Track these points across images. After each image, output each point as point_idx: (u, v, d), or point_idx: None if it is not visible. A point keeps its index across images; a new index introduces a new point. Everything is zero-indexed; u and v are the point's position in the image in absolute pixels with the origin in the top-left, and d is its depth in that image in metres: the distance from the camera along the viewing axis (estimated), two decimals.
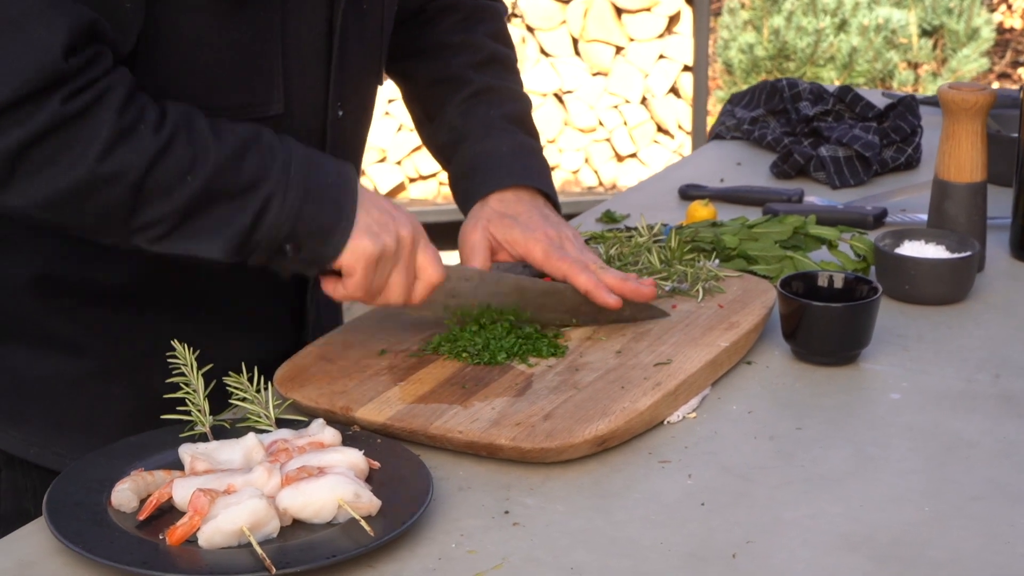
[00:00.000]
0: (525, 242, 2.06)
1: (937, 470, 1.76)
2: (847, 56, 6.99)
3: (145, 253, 1.81)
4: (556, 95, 6.38)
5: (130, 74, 1.76)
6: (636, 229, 2.32)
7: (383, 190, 6.30)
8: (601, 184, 6.49)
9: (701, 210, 2.49)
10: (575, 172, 6.47)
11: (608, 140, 6.47)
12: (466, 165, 2.15)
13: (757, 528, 1.63)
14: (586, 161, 6.46)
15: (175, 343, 1.78)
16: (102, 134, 1.70)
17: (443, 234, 3.23)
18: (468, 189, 2.14)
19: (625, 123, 6.44)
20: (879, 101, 3.06)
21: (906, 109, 2.88)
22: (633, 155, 6.48)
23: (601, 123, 6.44)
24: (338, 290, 1.87)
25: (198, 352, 1.78)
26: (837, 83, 6.95)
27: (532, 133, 2.23)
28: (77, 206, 1.73)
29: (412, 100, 2.28)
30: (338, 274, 1.87)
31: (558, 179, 6.44)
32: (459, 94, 2.20)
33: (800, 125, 2.91)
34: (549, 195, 2.15)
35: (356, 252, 1.83)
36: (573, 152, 6.43)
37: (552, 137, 6.39)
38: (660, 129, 6.47)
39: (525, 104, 2.25)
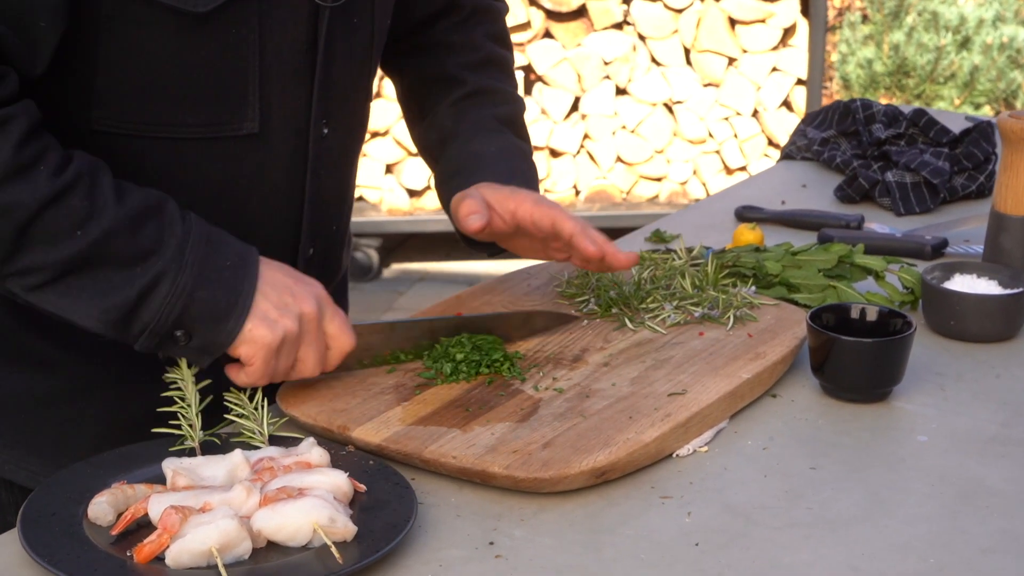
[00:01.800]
0: (514, 196, 1.99)
1: (950, 518, 1.68)
2: (968, 75, 6.84)
3: None
4: (666, 105, 6.30)
5: (35, 109, 1.70)
6: (676, 251, 2.26)
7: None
8: (709, 196, 6.40)
9: (747, 234, 2.42)
10: (683, 184, 6.38)
11: (718, 152, 6.38)
12: (454, 165, 2.09)
13: (749, 572, 1.57)
14: (695, 173, 6.38)
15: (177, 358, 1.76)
16: None
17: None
18: (454, 187, 2.06)
19: (735, 136, 6.35)
20: (960, 125, 2.96)
21: (981, 136, 2.78)
22: (743, 168, 6.38)
23: (711, 135, 6.35)
24: (240, 377, 1.79)
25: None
26: (957, 102, 6.81)
27: (523, 136, 2.18)
28: None
29: (406, 97, 2.23)
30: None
31: (666, 190, 6.37)
32: (452, 94, 2.15)
33: (871, 148, 2.82)
34: None
35: (254, 341, 1.75)
36: (682, 163, 6.35)
37: (661, 147, 6.32)
38: (771, 143, 6.37)
39: (518, 106, 2.20)
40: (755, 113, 6.36)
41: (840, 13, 7.68)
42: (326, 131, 1.94)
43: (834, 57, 7.31)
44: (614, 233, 2.56)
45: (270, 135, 1.87)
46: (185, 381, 1.75)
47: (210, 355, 1.77)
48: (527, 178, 2.08)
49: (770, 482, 1.75)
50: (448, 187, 2.07)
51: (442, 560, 1.58)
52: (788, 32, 6.29)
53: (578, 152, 6.31)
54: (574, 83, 6.22)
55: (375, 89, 2.10)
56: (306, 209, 1.96)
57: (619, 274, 2.18)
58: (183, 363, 1.76)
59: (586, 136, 6.30)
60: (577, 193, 6.35)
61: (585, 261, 1.99)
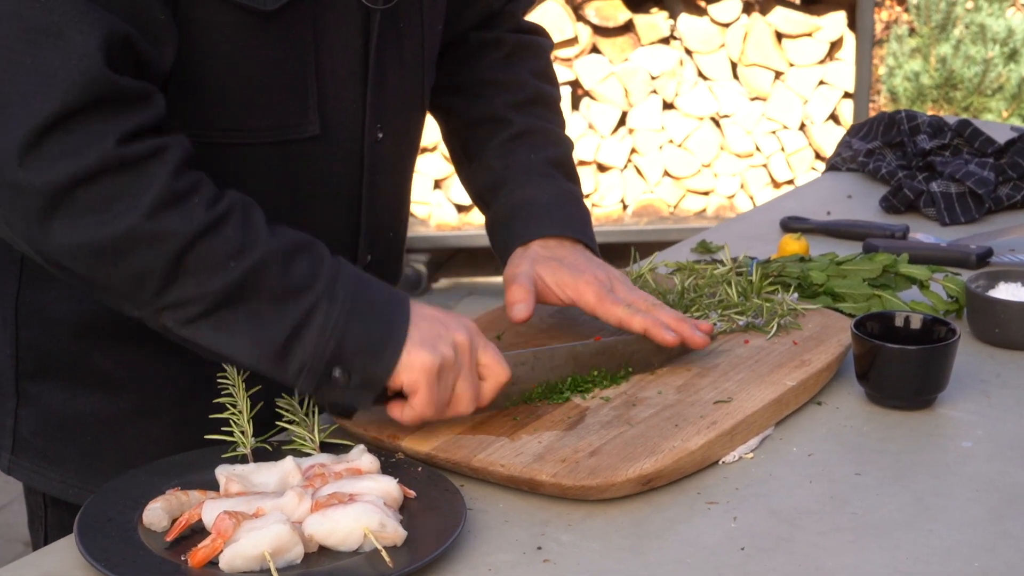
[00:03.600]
0: (575, 284, 1.99)
1: (996, 523, 1.69)
2: (1016, 87, 6.82)
3: None
4: (713, 119, 6.31)
5: (187, 140, 1.69)
6: (721, 261, 2.28)
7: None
8: (755, 208, 6.41)
9: (793, 244, 2.43)
10: (731, 197, 6.40)
11: (765, 166, 6.39)
12: (506, 212, 2.09)
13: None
14: (742, 187, 6.39)
15: (225, 364, 1.78)
16: (154, 190, 1.62)
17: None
18: (508, 236, 2.08)
19: (783, 149, 6.36)
20: (1005, 136, 2.97)
21: None
22: (790, 182, 6.38)
23: (758, 148, 6.36)
24: (406, 412, 1.76)
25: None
26: (1005, 115, 6.79)
27: (573, 178, 2.16)
28: (112, 262, 1.63)
29: (451, 138, 2.22)
30: (401, 396, 1.78)
31: (713, 204, 6.38)
32: (499, 136, 2.13)
33: (916, 159, 2.84)
34: (590, 245, 2.09)
35: (415, 366, 1.72)
36: (729, 177, 6.36)
37: (708, 161, 6.33)
38: (818, 156, 6.37)
39: (567, 147, 2.18)
40: (802, 126, 6.37)
41: (887, 26, 7.68)
42: (380, 135, 1.96)
43: (881, 70, 7.31)
44: (662, 247, 2.58)
45: (330, 137, 1.89)
46: (237, 388, 1.78)
47: (371, 391, 1.74)
48: (583, 226, 2.09)
49: (815, 488, 1.77)
50: (501, 235, 2.09)
51: (491, 564, 1.60)
52: (835, 45, 6.30)
53: (625, 166, 6.33)
54: (621, 98, 6.25)
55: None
56: (363, 213, 1.98)
57: (663, 283, 2.20)
58: (233, 370, 1.78)
59: (633, 150, 6.32)
60: (625, 207, 6.37)
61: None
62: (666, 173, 6.35)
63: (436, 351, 1.74)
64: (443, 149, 6.11)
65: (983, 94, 6.82)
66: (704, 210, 6.40)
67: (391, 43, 1.94)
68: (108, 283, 1.66)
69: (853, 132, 3.06)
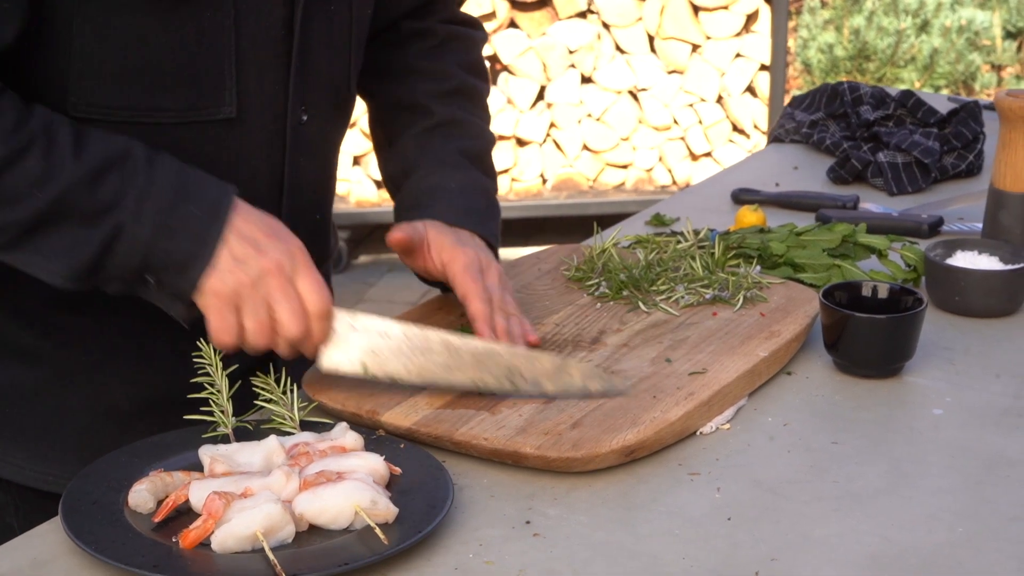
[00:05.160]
0: (452, 250, 1.96)
1: (974, 489, 1.71)
2: (928, 58, 6.89)
3: None
4: (631, 93, 6.33)
5: None
6: (682, 234, 2.28)
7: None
8: (675, 183, 6.43)
9: (750, 216, 2.44)
10: (649, 171, 6.42)
11: (683, 139, 6.41)
12: (412, 197, 2.06)
13: (783, 545, 1.59)
14: (660, 160, 6.41)
15: (200, 342, 1.77)
16: None
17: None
18: (408, 219, 2.03)
19: (700, 122, 6.39)
20: (944, 106, 3.00)
21: (968, 115, 2.82)
22: (708, 154, 6.42)
23: (676, 121, 6.39)
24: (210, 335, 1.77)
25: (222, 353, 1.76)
26: (917, 85, 6.86)
27: (487, 172, 2.13)
28: None
29: (374, 122, 2.19)
30: None
31: (632, 177, 6.39)
32: (418, 124, 2.11)
33: (860, 130, 2.86)
34: (490, 241, 2.05)
35: (208, 291, 1.73)
36: (647, 150, 6.38)
37: (626, 135, 6.35)
38: (736, 128, 6.41)
39: (486, 141, 2.15)
40: (719, 99, 6.40)
41: None
42: (305, 118, 1.93)
43: (794, 43, 7.36)
44: (582, 221, 2.57)
45: (248, 120, 1.86)
46: (214, 367, 1.76)
47: (182, 302, 1.75)
48: (483, 217, 2.05)
49: (794, 457, 1.78)
50: (405, 219, 2.04)
51: (481, 539, 1.60)
52: (751, 18, 6.33)
53: (544, 141, 6.33)
54: (539, 72, 6.25)
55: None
56: (286, 196, 1.95)
57: (627, 257, 2.21)
58: (210, 347, 1.77)
59: (552, 125, 6.33)
60: (544, 182, 6.37)
61: None
62: (585, 147, 6.37)
63: (232, 276, 1.73)
64: (362, 125, 6.08)
65: (896, 65, 6.89)
66: (623, 183, 6.42)
67: (317, 25, 1.91)
68: None
69: (795, 104, 3.08)
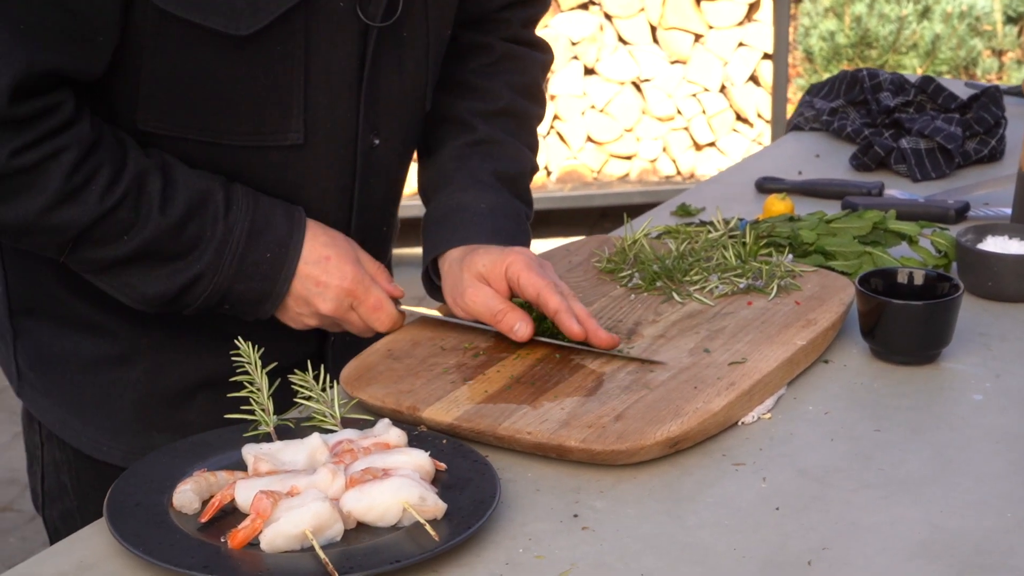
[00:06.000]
0: (504, 257, 1.94)
1: (1020, 475, 1.70)
2: (930, 44, 6.88)
3: None
4: (634, 83, 6.32)
5: (90, 130, 1.79)
6: (711, 224, 2.27)
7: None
8: (679, 173, 6.43)
9: (778, 204, 2.44)
10: (653, 161, 6.41)
11: (686, 129, 6.41)
12: (441, 212, 2.04)
13: (833, 534, 1.59)
14: (664, 150, 6.41)
15: (239, 341, 1.76)
16: (49, 192, 1.76)
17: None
18: (436, 237, 2.02)
19: (704, 112, 6.38)
20: (962, 92, 3.00)
21: (989, 100, 2.81)
22: (712, 144, 6.41)
23: (679, 112, 6.38)
24: None
25: (262, 351, 1.75)
26: (919, 71, 6.85)
27: (522, 196, 2.11)
28: (14, 239, 1.84)
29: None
30: None
31: (636, 168, 6.39)
32: (460, 138, 2.09)
33: (881, 116, 2.85)
34: None
35: (283, 317, 1.94)
36: (651, 141, 6.38)
37: (630, 126, 6.34)
38: (739, 118, 6.40)
39: (524, 165, 2.13)
40: (723, 88, 6.39)
41: None
42: (376, 142, 1.96)
43: (794, 31, 7.35)
44: (587, 212, 2.56)
45: (316, 145, 1.90)
46: (253, 365, 1.75)
47: (255, 317, 1.93)
48: (511, 239, 2.03)
49: (837, 445, 1.77)
50: (431, 233, 2.04)
51: (530, 534, 1.59)
52: (753, 7, 6.33)
53: (548, 133, 6.32)
54: None
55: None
56: (355, 214, 2.00)
57: (658, 248, 2.20)
58: (248, 346, 1.76)
59: (556, 117, 6.32)
60: (548, 174, 6.36)
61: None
62: (589, 138, 6.36)
63: (303, 308, 1.93)
64: None
65: (898, 52, 6.88)
66: (627, 175, 6.41)
67: (389, 53, 1.93)
68: (17, 246, 1.92)
69: (814, 91, 3.07)
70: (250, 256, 1.87)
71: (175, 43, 1.78)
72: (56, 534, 2.11)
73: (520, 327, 1.91)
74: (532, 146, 2.17)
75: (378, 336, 1.99)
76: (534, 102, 2.18)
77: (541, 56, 2.21)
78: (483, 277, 1.94)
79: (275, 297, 1.90)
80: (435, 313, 2.01)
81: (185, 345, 2.00)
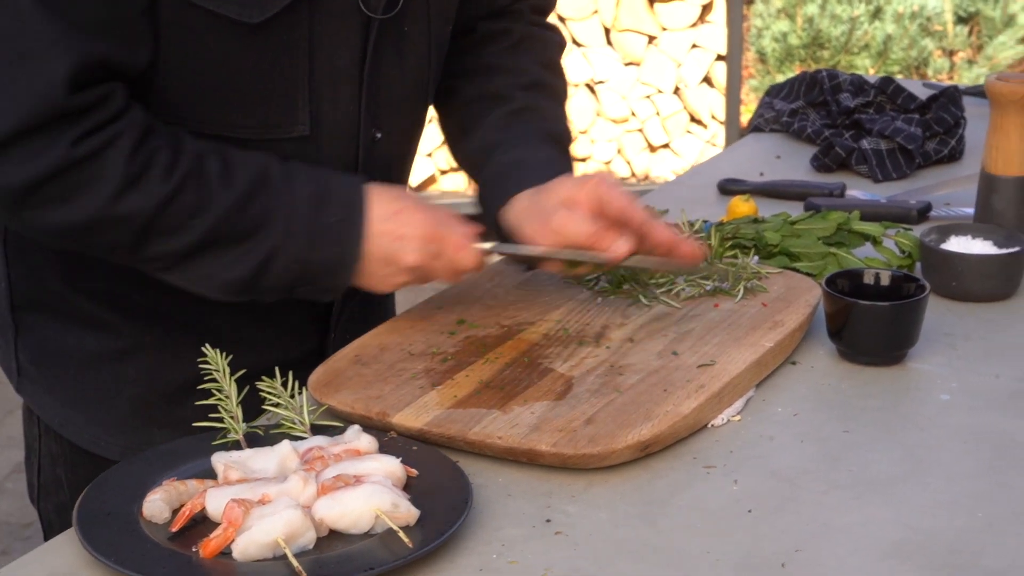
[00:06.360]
0: (588, 179, 1.93)
1: (989, 474, 1.71)
2: (882, 44, 6.92)
3: None
4: (588, 85, 6.33)
5: (143, 115, 1.79)
6: (676, 226, 2.27)
7: (413, 183, 6.25)
8: (634, 175, 6.44)
9: (742, 206, 2.44)
10: (607, 163, 6.42)
11: (641, 130, 6.42)
12: (497, 171, 2.04)
13: (806, 536, 1.59)
14: (619, 152, 6.42)
15: (207, 348, 1.75)
16: (113, 179, 1.76)
17: None
18: (499, 191, 2.02)
19: (658, 113, 6.40)
20: (920, 92, 3.01)
21: (949, 100, 2.82)
22: (666, 145, 6.43)
23: (634, 113, 6.39)
24: None
25: (230, 356, 1.75)
26: (872, 71, 6.89)
27: (568, 154, 2.12)
28: (85, 240, 1.81)
29: (448, 116, 2.19)
30: None
31: (591, 170, 6.38)
32: (499, 109, 2.10)
33: (841, 117, 2.86)
34: None
35: (363, 283, 1.90)
36: (605, 143, 6.39)
37: (584, 128, 6.35)
38: (693, 119, 6.42)
39: (567, 129, 2.14)
40: (676, 90, 6.41)
41: None
42: (378, 135, 1.97)
43: (747, 32, 7.37)
44: None
45: (321, 138, 1.91)
46: (222, 372, 1.74)
47: (334, 294, 1.93)
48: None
49: (807, 447, 1.77)
50: (494, 187, 2.04)
51: (503, 539, 1.59)
52: (706, 8, 6.35)
53: None
54: None
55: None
56: None
57: None
58: (217, 354, 1.75)
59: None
60: None
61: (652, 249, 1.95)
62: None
63: (381, 269, 1.89)
64: None
65: (850, 52, 6.91)
66: None
67: (390, 46, 1.94)
68: (85, 250, 1.86)
69: (774, 93, 3.08)
70: (320, 221, 1.84)
71: (188, 32, 1.79)
72: (50, 527, 2.14)
73: (618, 244, 1.91)
74: (567, 117, 2.19)
75: (359, 334, 1.99)
76: (561, 79, 2.22)
77: (557, 36, 2.25)
78: (570, 200, 1.94)
79: (351, 260, 1.86)
80: (517, 248, 1.98)
81: (187, 342, 1.97)
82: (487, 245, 1.95)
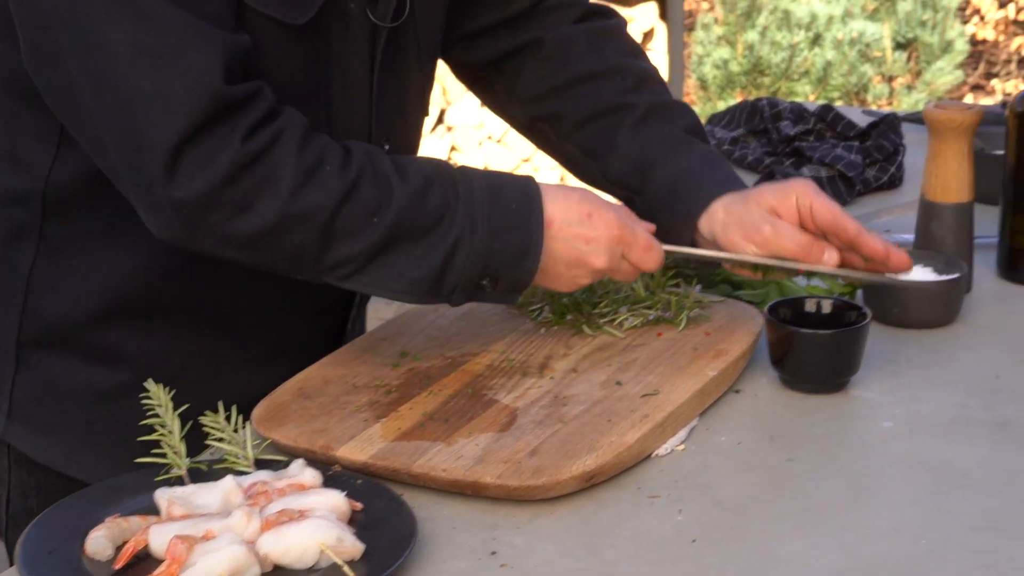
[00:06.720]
0: (792, 188, 1.95)
1: (933, 500, 1.72)
2: (821, 70, 6.97)
3: (190, 269, 1.89)
4: None
5: (298, 113, 1.76)
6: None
7: None
8: None
9: None
10: None
11: None
12: (664, 190, 2.03)
13: (751, 564, 1.59)
14: (562, 180, 6.43)
15: (149, 383, 1.74)
16: (289, 175, 1.71)
17: None
18: (677, 212, 2.01)
19: None
20: (860, 119, 3.03)
21: (888, 127, 2.84)
22: None
23: None
24: None
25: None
26: (812, 97, 6.93)
27: (708, 142, 2.12)
28: (269, 247, 1.75)
29: (563, 144, 2.15)
30: None
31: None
32: (625, 121, 2.08)
33: (781, 145, 2.88)
34: None
35: (546, 278, 1.88)
36: (548, 171, 6.40)
37: (527, 156, 6.36)
38: None
39: (693, 114, 2.13)
40: None
41: (690, 15, 7.78)
42: (387, 147, 1.97)
43: (688, 59, 7.41)
44: None
45: None
46: (164, 408, 1.73)
47: (518, 293, 1.89)
48: (738, 181, 2.04)
49: (751, 475, 1.78)
50: (668, 213, 2.02)
51: (449, 572, 1.58)
52: (647, 36, 6.37)
53: None
54: (439, 95, 6.24)
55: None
56: None
57: None
58: (160, 389, 1.74)
59: (453, 148, 6.33)
60: None
61: (865, 260, 1.97)
62: (486, 169, 6.36)
63: (564, 260, 1.88)
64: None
65: (790, 78, 6.96)
66: None
67: (396, 55, 1.95)
68: (271, 264, 1.80)
69: (715, 121, 3.09)
70: (499, 208, 1.82)
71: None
72: None
73: (829, 255, 1.93)
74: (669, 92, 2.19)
75: (304, 366, 1.98)
76: (646, 59, 2.20)
77: (619, 20, 2.22)
78: (775, 210, 1.94)
79: (534, 250, 1.84)
80: (695, 251, 1.99)
81: (201, 372, 1.98)
82: (671, 247, 1.96)
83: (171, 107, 1.67)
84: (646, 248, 1.91)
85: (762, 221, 1.93)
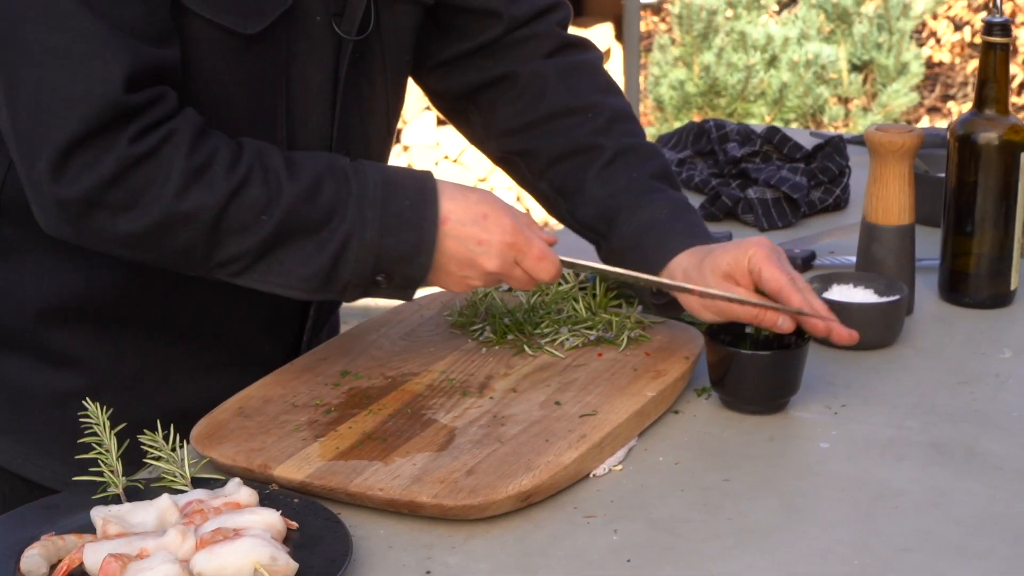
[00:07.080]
0: (745, 251, 1.95)
1: (865, 521, 1.73)
2: (777, 92, 7.00)
3: (142, 276, 1.90)
4: None
5: (196, 115, 1.78)
6: (563, 276, 2.29)
7: None
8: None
9: None
10: None
11: None
12: (629, 239, 2.04)
13: None
14: (518, 199, 6.44)
15: (87, 402, 1.74)
16: (175, 176, 1.73)
17: None
18: (640, 262, 2.02)
19: None
20: (807, 141, 3.05)
21: (834, 150, 2.86)
22: None
23: None
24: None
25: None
26: (768, 119, 6.97)
27: (677, 187, 2.13)
28: (155, 245, 1.77)
29: (537, 179, 2.16)
30: None
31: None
32: (594, 164, 2.09)
33: (728, 167, 2.89)
34: None
35: (437, 276, 1.90)
36: (504, 191, 6.41)
37: (483, 176, 6.37)
38: None
39: (662, 157, 2.14)
40: None
41: (647, 36, 7.81)
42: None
43: (644, 80, 7.43)
44: None
45: None
46: (102, 426, 1.73)
47: (413, 289, 1.90)
48: (702, 231, 2.06)
49: (688, 496, 1.79)
50: (632, 261, 2.03)
51: None
52: (604, 56, 6.39)
53: None
54: None
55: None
56: None
57: (509, 301, 2.21)
58: (96, 407, 1.74)
59: (409, 167, 6.33)
60: None
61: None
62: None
63: (461, 286, 1.91)
64: None
65: (746, 100, 6.99)
66: None
67: (360, 69, 1.96)
68: (160, 260, 1.81)
69: (663, 142, 3.10)
70: (391, 206, 1.83)
71: (187, 43, 1.81)
72: None
73: (783, 322, 1.94)
74: (645, 136, 2.18)
75: (245, 384, 1.98)
76: (620, 95, 2.20)
77: (595, 53, 2.23)
78: (730, 276, 1.96)
79: (426, 247, 1.85)
80: (594, 265, 1.99)
81: (156, 378, 1.99)
82: (569, 259, 1.96)
83: (67, 109, 1.70)
84: (539, 257, 1.92)
85: (717, 286, 1.95)
